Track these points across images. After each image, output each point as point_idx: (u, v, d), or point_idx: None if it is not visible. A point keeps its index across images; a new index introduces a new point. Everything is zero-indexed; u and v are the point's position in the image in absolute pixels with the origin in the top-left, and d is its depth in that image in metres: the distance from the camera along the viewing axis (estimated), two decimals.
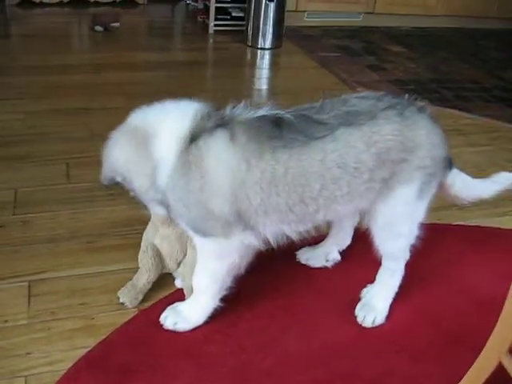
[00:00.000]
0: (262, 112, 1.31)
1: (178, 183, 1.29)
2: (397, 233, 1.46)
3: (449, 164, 1.48)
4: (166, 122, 1.32)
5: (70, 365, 1.35)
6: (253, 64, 3.79)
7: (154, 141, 1.30)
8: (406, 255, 1.53)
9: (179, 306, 1.48)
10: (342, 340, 1.48)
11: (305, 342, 1.47)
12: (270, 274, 1.69)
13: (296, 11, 4.33)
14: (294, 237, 1.42)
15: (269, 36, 3.86)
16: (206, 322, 1.48)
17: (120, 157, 1.35)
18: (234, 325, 1.50)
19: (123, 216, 1.84)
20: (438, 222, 1.97)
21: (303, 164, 1.27)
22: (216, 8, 4.07)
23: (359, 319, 1.53)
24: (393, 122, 1.33)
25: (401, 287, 1.57)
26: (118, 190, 1.48)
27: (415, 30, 4.66)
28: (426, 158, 1.37)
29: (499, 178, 1.53)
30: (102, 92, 2.90)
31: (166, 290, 1.60)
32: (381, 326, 1.53)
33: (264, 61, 3.82)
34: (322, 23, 4.50)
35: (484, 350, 1.13)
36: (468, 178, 1.54)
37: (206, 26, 4.13)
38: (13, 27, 4.06)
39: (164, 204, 1.34)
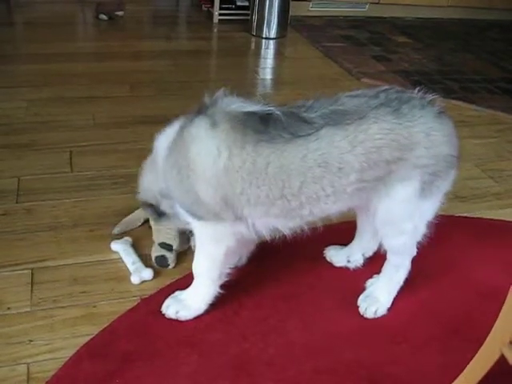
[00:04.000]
0: (251, 107, 1.32)
1: (171, 174, 1.36)
2: (400, 230, 1.44)
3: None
4: (163, 134, 1.43)
5: (71, 352, 1.35)
6: (257, 53, 3.77)
7: (157, 152, 1.42)
8: (412, 252, 1.51)
9: (180, 294, 1.49)
10: (344, 330, 1.48)
11: (307, 332, 1.47)
12: (272, 263, 1.69)
13: (301, 0, 4.30)
14: (286, 232, 1.42)
15: (274, 25, 3.84)
16: (208, 311, 1.48)
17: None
18: (235, 314, 1.50)
19: (126, 204, 1.84)
20: (442, 213, 1.96)
21: (284, 160, 1.27)
22: None
23: (361, 310, 1.53)
24: (382, 121, 1.29)
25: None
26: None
27: (421, 21, 4.63)
28: (424, 157, 1.32)
29: None
30: (105, 80, 2.89)
31: (167, 279, 1.60)
32: (383, 316, 1.53)
33: (269, 50, 3.80)
34: (327, 13, 4.47)
35: (486, 341, 1.12)
36: None
37: (211, 15, 4.11)
38: (16, 15, 4.05)
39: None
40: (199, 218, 1.37)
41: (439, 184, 1.38)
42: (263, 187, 1.29)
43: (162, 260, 1.64)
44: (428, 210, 1.44)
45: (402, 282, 1.55)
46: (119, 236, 1.74)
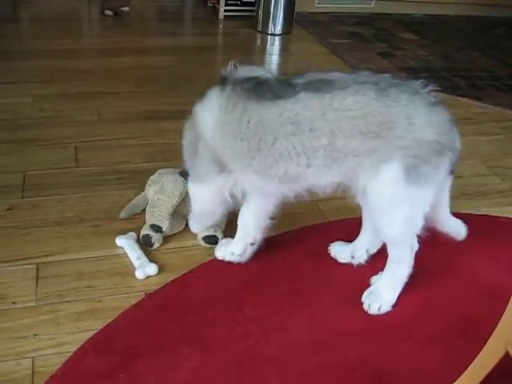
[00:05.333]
0: (255, 73, 1.47)
1: (187, 134, 1.54)
2: (391, 217, 1.45)
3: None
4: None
5: (76, 347, 1.36)
6: (263, 50, 3.77)
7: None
8: (411, 244, 1.51)
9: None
10: (348, 327, 1.48)
11: (310, 329, 1.47)
12: (276, 260, 1.69)
13: None
14: (272, 197, 1.56)
15: (279, 22, 3.83)
16: (212, 306, 1.49)
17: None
18: (239, 310, 1.50)
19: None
20: None
21: (263, 116, 1.40)
22: None
23: (365, 306, 1.53)
24: (360, 95, 1.34)
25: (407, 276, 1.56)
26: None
27: (427, 18, 4.61)
28: (404, 139, 1.35)
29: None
30: (111, 76, 2.90)
31: (172, 274, 1.61)
32: (387, 314, 1.53)
33: (274, 47, 3.79)
34: (333, 9, 4.46)
35: (490, 339, 1.12)
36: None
37: (217, 11, 4.11)
38: (22, 11, 4.05)
39: None
40: (193, 178, 1.57)
41: (427, 171, 1.39)
42: (245, 140, 1.42)
43: (146, 239, 1.69)
44: (420, 198, 1.43)
45: (405, 278, 1.55)
46: (124, 231, 1.74)
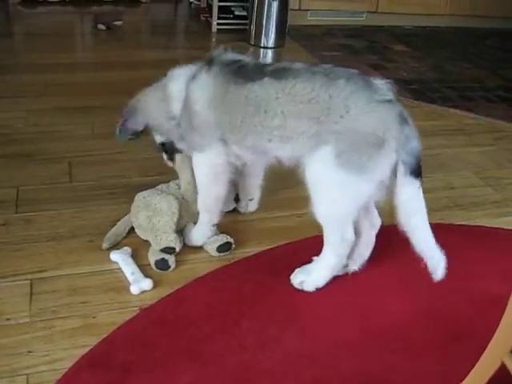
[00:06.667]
0: (238, 57, 1.66)
1: (183, 111, 1.69)
2: (318, 196, 1.52)
3: (407, 167, 1.46)
4: (178, 79, 1.73)
5: (71, 363, 1.35)
6: None
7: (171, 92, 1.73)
8: (345, 236, 1.55)
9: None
10: (343, 338, 1.48)
11: (305, 341, 1.47)
12: (272, 273, 1.69)
13: (299, 10, 4.32)
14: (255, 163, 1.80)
15: (272, 35, 3.86)
16: (208, 321, 1.48)
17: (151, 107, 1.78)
18: (235, 324, 1.50)
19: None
20: (441, 221, 1.97)
21: (235, 97, 1.57)
22: (219, 7, 4.08)
23: (291, 276, 1.64)
24: (310, 82, 1.49)
25: (402, 285, 1.56)
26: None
27: (418, 30, 4.66)
28: (337, 124, 1.45)
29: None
30: (104, 91, 2.90)
31: (167, 289, 1.60)
32: (382, 324, 1.53)
33: (267, 60, 3.81)
34: (325, 22, 4.49)
35: (486, 350, 1.12)
36: (417, 207, 1.49)
37: (209, 25, 4.13)
38: (15, 25, 4.07)
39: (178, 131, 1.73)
40: (195, 148, 1.69)
41: (360, 161, 1.45)
42: (226, 115, 1.60)
43: (162, 263, 1.66)
44: (350, 186, 1.49)
45: (334, 267, 1.61)
46: (118, 246, 1.74)
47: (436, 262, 1.48)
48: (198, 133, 1.66)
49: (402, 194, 1.48)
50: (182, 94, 1.68)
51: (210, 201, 1.74)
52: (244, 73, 1.58)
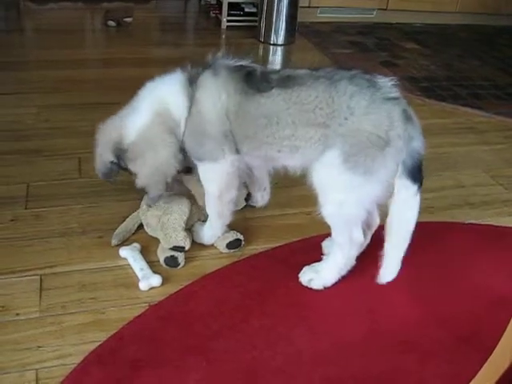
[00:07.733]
0: (242, 62, 1.62)
1: (187, 125, 1.62)
2: (325, 197, 1.51)
3: (408, 169, 1.45)
4: (171, 96, 1.65)
5: (80, 359, 1.36)
6: (265, 60, 3.78)
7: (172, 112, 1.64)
8: (353, 237, 1.55)
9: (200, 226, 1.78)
10: (352, 338, 1.48)
11: (315, 340, 1.46)
12: (280, 271, 1.68)
13: (309, 7, 4.31)
14: (262, 168, 1.79)
15: (281, 32, 3.85)
16: (217, 318, 1.49)
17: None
18: (244, 321, 1.50)
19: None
20: (451, 220, 1.96)
21: (247, 109, 1.56)
22: (229, 3, 4.06)
23: (300, 274, 1.63)
24: (313, 89, 1.48)
25: (411, 285, 1.56)
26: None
27: (428, 27, 4.63)
28: (342, 126, 1.45)
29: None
30: (114, 87, 2.90)
31: (175, 285, 1.61)
32: (390, 324, 1.53)
33: (276, 57, 3.81)
34: (334, 19, 4.47)
35: (495, 351, 1.11)
36: (407, 215, 1.49)
37: (219, 22, 4.13)
38: (26, 22, 4.08)
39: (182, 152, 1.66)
40: (206, 159, 1.63)
41: (367, 163, 1.44)
42: (240, 126, 1.58)
43: (172, 260, 1.66)
44: (357, 187, 1.47)
45: (343, 265, 1.60)
46: (127, 242, 1.74)
47: (390, 271, 1.54)
48: (211, 142, 1.60)
49: (395, 197, 1.46)
50: (186, 107, 1.61)
51: (222, 206, 1.71)
52: (253, 82, 1.55)
